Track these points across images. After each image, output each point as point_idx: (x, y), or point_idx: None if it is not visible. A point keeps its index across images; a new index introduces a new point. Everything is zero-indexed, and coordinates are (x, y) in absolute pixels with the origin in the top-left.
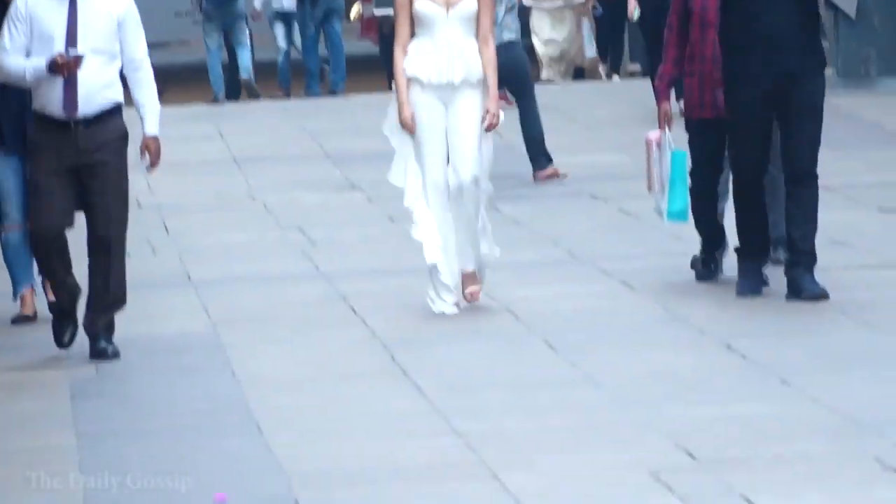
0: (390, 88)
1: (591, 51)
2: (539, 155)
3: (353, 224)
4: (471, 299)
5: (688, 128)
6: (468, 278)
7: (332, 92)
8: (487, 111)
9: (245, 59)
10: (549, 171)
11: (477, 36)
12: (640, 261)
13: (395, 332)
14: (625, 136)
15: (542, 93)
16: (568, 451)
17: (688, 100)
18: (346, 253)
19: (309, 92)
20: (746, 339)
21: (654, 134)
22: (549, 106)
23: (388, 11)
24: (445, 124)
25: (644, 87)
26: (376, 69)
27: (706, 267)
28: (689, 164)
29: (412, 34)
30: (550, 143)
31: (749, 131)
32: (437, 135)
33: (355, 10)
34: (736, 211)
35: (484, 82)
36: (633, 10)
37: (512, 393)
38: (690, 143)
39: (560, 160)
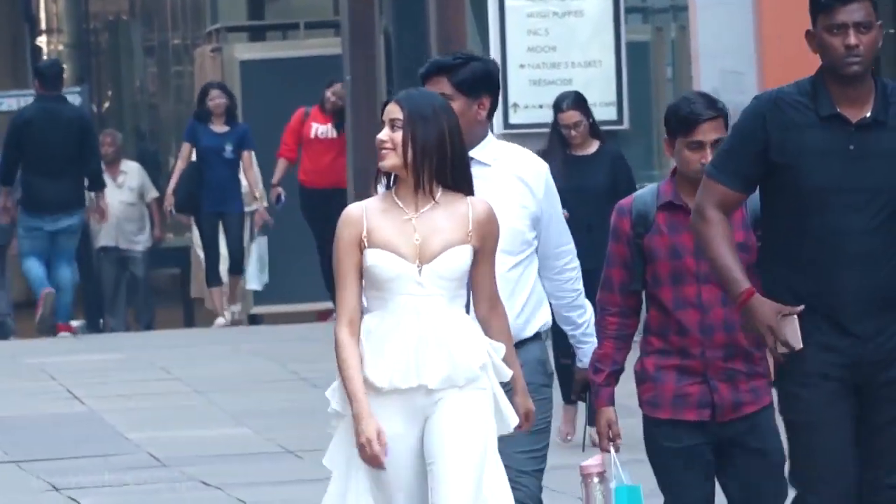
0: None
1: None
2: None
3: None
4: None
5: (649, 434)
6: None
7: None
8: (522, 411)
9: None
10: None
11: (468, 305)
12: None
13: None
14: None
15: None
16: None
17: (652, 393)
18: None
19: None
20: None
21: (592, 462)
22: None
23: None
24: (419, 455)
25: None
26: None
27: None
28: None
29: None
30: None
31: (826, 433)
32: (408, 477)
33: None
34: None
35: (477, 384)
36: None
37: None
38: (655, 464)
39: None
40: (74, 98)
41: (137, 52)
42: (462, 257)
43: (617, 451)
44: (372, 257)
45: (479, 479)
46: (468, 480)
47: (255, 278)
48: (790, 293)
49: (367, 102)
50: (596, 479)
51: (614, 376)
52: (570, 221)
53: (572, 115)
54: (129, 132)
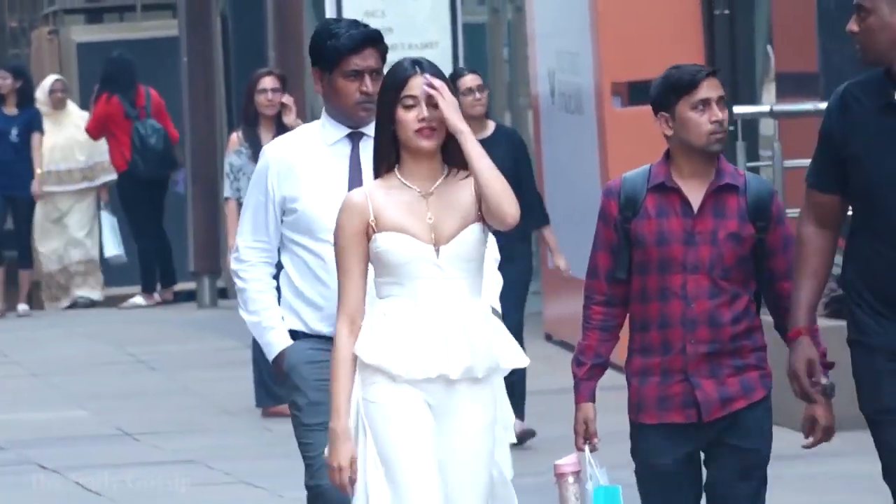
0: None
1: (113, 248)
2: None
3: None
4: None
5: (635, 443)
6: None
7: None
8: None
9: None
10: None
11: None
12: None
13: None
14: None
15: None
16: None
17: (637, 396)
18: None
19: None
20: None
21: (568, 461)
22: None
23: None
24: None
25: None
26: None
27: None
28: None
29: (365, 291)
30: None
31: None
32: (426, 455)
33: None
34: None
35: (492, 377)
36: None
37: None
38: (640, 474)
39: None
40: None
41: None
42: (478, 235)
43: (593, 450)
44: (383, 241)
45: (489, 484)
46: (480, 483)
47: (111, 243)
48: (858, 290)
49: (205, 84)
50: (571, 479)
51: (597, 370)
52: None
53: (474, 78)
54: None
